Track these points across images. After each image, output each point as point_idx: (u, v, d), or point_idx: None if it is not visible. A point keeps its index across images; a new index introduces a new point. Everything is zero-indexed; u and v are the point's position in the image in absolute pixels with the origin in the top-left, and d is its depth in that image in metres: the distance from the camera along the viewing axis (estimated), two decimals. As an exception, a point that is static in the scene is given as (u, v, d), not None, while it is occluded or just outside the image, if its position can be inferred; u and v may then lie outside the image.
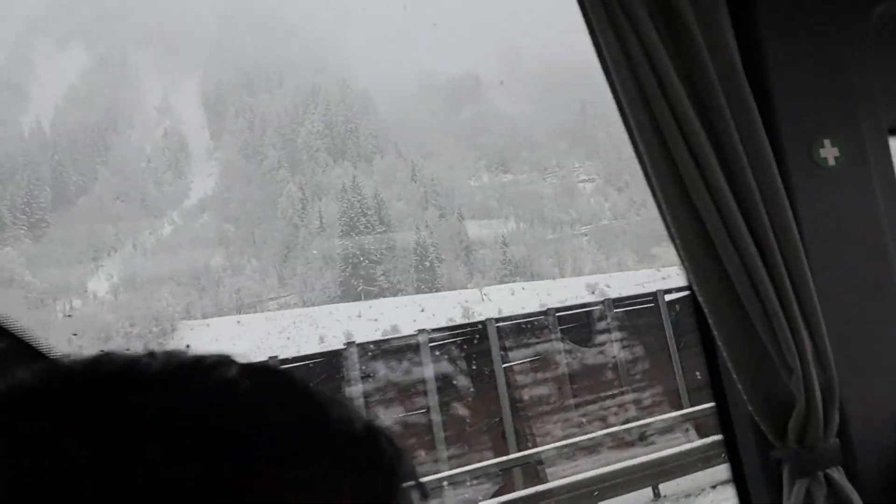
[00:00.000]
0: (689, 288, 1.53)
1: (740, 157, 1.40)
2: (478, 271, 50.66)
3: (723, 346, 1.45)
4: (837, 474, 1.42)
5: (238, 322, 35.84)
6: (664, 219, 1.46)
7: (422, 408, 10.08)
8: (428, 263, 51.20)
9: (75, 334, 33.68)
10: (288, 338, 33.17)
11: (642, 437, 9.84)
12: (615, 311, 11.67)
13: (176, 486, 0.24)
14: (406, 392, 10.11)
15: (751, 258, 1.39)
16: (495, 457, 9.57)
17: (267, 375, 0.30)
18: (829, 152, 1.53)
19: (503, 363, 10.72)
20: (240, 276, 50.72)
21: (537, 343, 11.03)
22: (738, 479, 1.62)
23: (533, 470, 9.31)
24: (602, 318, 11.64)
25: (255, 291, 48.79)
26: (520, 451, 9.75)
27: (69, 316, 36.36)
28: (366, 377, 10.16)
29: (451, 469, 9.27)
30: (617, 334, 11.57)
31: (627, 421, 10.45)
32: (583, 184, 67.92)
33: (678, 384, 11.34)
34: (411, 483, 0.31)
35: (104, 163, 70.39)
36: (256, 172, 67.60)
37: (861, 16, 1.61)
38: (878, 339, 1.54)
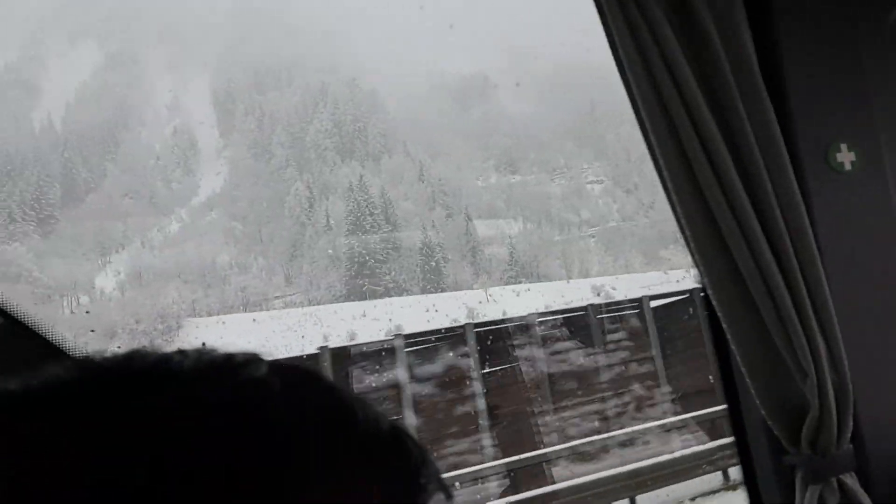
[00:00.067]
0: (702, 290, 1.53)
1: (756, 160, 1.40)
2: (484, 272, 50.62)
3: (736, 348, 1.45)
4: (851, 480, 1.41)
5: (254, 320, 35.93)
6: (678, 220, 1.46)
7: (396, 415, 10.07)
8: (434, 263, 51.22)
9: (93, 330, 33.91)
10: (303, 336, 33.28)
11: (605, 451, 9.54)
12: (599, 316, 11.44)
13: (209, 481, 0.24)
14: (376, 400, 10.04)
15: (766, 261, 1.38)
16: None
17: (296, 374, 0.31)
18: (845, 157, 1.52)
19: (502, 366, 10.61)
20: (246, 275, 50.94)
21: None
22: (750, 484, 1.61)
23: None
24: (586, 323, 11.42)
25: (261, 290, 48.99)
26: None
27: (87, 312, 36.47)
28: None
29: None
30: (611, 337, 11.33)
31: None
32: (591, 185, 67.74)
33: (657, 392, 11.05)
34: (436, 484, 0.31)
35: (114, 160, 70.92)
36: (265, 171, 67.90)
37: (879, 20, 1.60)
38: (892, 345, 1.53)
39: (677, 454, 8.68)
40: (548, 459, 9.15)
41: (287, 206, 59.73)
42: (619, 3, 1.38)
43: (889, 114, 1.60)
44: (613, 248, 55.37)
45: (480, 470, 8.86)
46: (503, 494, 8.53)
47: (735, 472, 8.69)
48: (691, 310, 11.65)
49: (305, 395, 0.30)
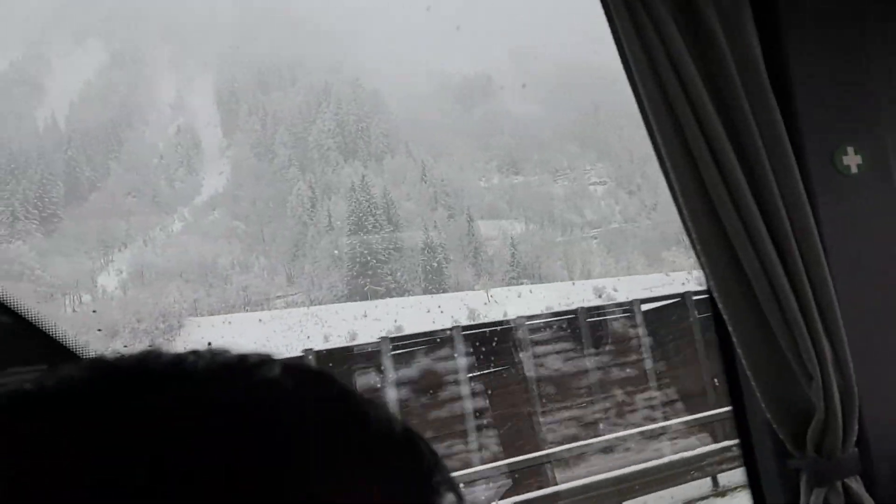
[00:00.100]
0: (707, 291, 1.52)
1: (762, 162, 1.40)
2: (486, 272, 50.57)
3: (741, 350, 1.45)
4: (856, 484, 1.41)
5: (260, 321, 35.92)
6: (684, 221, 1.46)
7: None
8: (435, 264, 51.20)
9: (99, 329, 33.90)
10: (308, 336, 33.25)
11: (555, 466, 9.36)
12: (589, 319, 11.31)
13: (221, 480, 0.25)
14: None
15: (771, 264, 1.38)
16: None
17: (309, 375, 0.31)
18: (851, 160, 1.52)
19: (489, 369, 10.53)
20: (248, 274, 50.97)
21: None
22: (755, 486, 1.61)
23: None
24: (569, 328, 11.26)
25: (263, 289, 49.00)
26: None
27: (94, 312, 36.40)
28: None
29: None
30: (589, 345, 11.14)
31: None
32: (594, 186, 67.66)
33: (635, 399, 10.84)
34: (448, 488, 0.31)
35: (117, 158, 71.06)
36: (267, 170, 67.96)
37: (885, 22, 1.60)
38: None
39: (665, 460, 8.58)
40: (529, 466, 9.08)
41: (289, 205, 59.78)
42: (626, 4, 1.38)
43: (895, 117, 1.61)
44: (615, 249, 55.28)
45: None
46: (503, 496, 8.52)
47: (724, 479, 8.61)
48: (676, 313, 11.57)
49: (318, 397, 0.30)
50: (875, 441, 1.46)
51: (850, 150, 1.52)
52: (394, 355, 10.20)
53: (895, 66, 1.60)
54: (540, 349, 10.99)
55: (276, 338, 33.64)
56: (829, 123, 1.52)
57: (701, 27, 1.41)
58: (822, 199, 1.48)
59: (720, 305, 1.45)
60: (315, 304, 44.26)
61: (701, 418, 9.91)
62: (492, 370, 10.63)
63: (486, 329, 11.16)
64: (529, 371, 10.68)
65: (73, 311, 41.89)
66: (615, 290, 35.44)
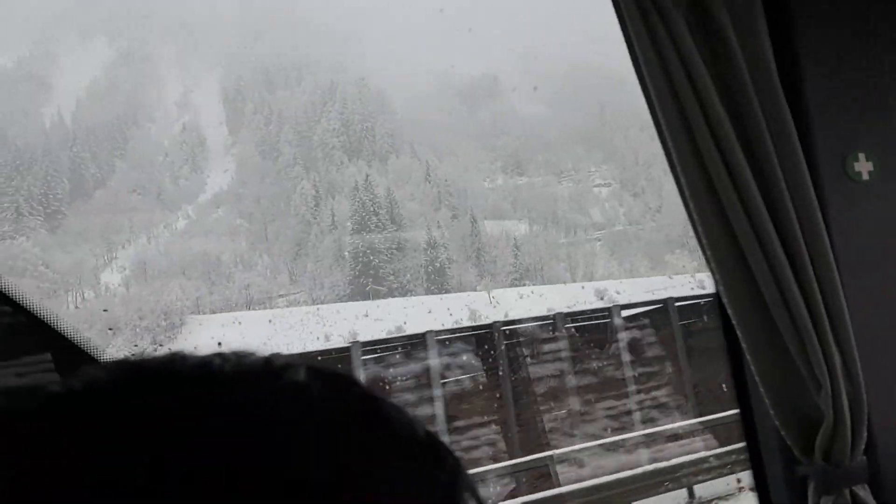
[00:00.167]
0: (716, 295, 1.53)
1: (774, 167, 1.41)
2: (488, 273, 50.54)
3: (750, 356, 1.45)
4: (863, 492, 1.42)
5: (270, 321, 35.91)
6: (693, 224, 1.46)
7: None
8: (438, 264, 51.20)
9: (110, 329, 33.93)
10: (318, 337, 33.24)
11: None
12: (567, 326, 11.22)
13: (253, 484, 0.25)
14: None
15: (781, 269, 1.39)
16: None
17: (334, 379, 0.31)
18: (863, 166, 1.54)
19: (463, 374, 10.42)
20: (250, 272, 51.11)
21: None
22: (762, 492, 1.62)
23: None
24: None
25: (265, 288, 49.12)
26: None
27: (105, 311, 36.35)
28: None
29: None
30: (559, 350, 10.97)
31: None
32: (598, 188, 67.60)
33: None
34: (470, 494, 0.32)
35: (122, 156, 71.40)
36: (272, 169, 68.18)
37: None
38: None
39: (638, 470, 8.33)
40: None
41: (293, 204, 59.94)
42: (639, 6, 1.39)
43: None
44: (619, 251, 55.16)
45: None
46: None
47: (700, 490, 8.46)
48: (658, 319, 11.42)
49: (344, 400, 0.30)
50: (883, 449, 1.47)
51: (861, 156, 1.53)
52: (365, 360, 10.11)
53: None
54: (522, 352, 10.90)
55: (278, 336, 33.67)
56: (841, 129, 1.53)
57: (713, 30, 1.42)
58: (833, 206, 1.49)
59: (729, 310, 1.46)
60: (317, 304, 44.32)
61: (668, 429, 9.67)
62: (466, 375, 10.51)
63: (464, 333, 11.04)
64: (502, 375, 10.57)
65: (76, 307, 42.05)
66: (617, 293, 35.30)
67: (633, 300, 13.70)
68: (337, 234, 54.69)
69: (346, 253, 52.36)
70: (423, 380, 10.26)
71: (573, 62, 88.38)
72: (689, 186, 1.42)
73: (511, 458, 9.50)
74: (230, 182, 69.42)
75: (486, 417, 10.27)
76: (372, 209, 55.31)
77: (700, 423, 9.72)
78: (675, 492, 8.26)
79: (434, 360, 10.37)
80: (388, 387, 10.08)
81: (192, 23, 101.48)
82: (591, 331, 11.42)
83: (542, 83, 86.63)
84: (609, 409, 10.79)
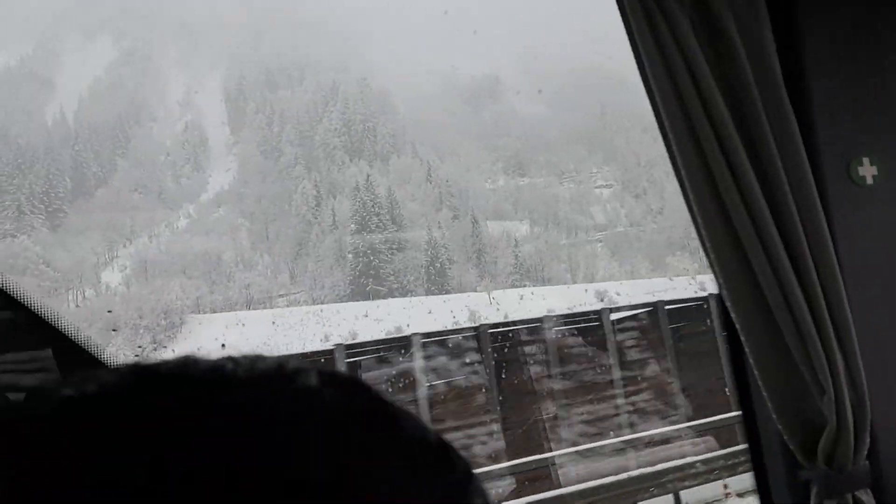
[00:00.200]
0: (719, 298, 1.54)
1: (778, 171, 1.41)
2: (488, 274, 50.53)
3: (752, 359, 1.45)
4: (866, 497, 1.42)
5: (273, 323, 35.88)
6: (697, 227, 1.46)
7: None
8: (438, 265, 51.19)
9: (114, 329, 33.95)
10: (324, 337, 33.19)
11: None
12: (557, 328, 11.09)
13: (253, 484, 0.25)
14: None
15: (784, 272, 1.39)
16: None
17: (346, 383, 0.32)
18: (867, 171, 1.54)
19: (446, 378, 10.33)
20: (251, 272, 51.15)
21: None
22: (764, 497, 1.63)
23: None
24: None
25: (265, 287, 49.13)
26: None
27: (109, 312, 36.26)
28: None
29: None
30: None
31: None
32: (599, 189, 67.58)
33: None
34: (481, 499, 0.32)
35: (124, 154, 71.50)
36: (273, 168, 68.25)
37: None
38: None
39: (622, 476, 8.08)
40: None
41: (294, 204, 59.98)
42: (644, 9, 1.39)
43: None
44: (620, 253, 55.12)
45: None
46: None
47: (687, 496, 8.35)
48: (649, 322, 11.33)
49: (355, 404, 0.31)
50: (886, 454, 1.47)
51: (865, 160, 1.53)
52: (349, 362, 10.01)
53: None
54: (506, 357, 10.80)
55: (277, 336, 33.68)
56: (846, 134, 1.53)
57: (718, 33, 1.42)
58: (837, 210, 1.49)
59: (732, 313, 1.46)
60: (317, 303, 44.35)
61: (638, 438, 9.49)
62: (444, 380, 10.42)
63: (448, 336, 10.93)
64: (483, 381, 10.46)
65: (77, 305, 42.08)
66: (618, 294, 35.30)
67: (634, 302, 13.64)
68: (338, 234, 54.73)
69: (348, 253, 52.39)
70: (407, 381, 10.22)
71: (575, 63, 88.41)
72: (692, 189, 1.42)
73: (494, 462, 9.50)
74: (232, 181, 69.49)
75: (470, 420, 10.23)
76: (373, 209, 55.34)
77: (690, 427, 9.62)
78: (661, 498, 8.09)
79: (418, 363, 10.29)
80: None
81: (194, 22, 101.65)
82: (578, 334, 11.32)
83: (543, 84, 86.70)
84: (589, 413, 10.69)
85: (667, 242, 51.96)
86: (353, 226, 54.80)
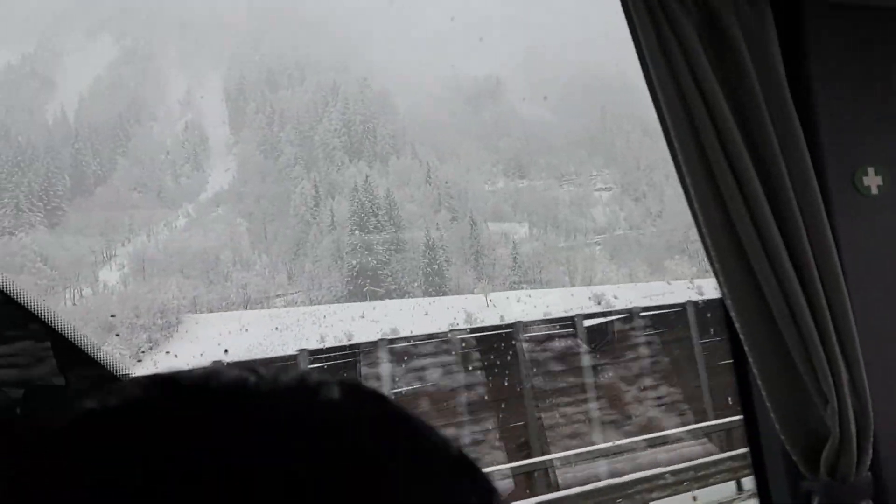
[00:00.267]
0: (722, 306, 1.53)
1: (783, 179, 1.41)
2: (486, 276, 50.47)
3: (756, 369, 1.45)
4: None
5: (276, 328, 35.67)
6: (701, 234, 1.46)
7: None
8: (436, 266, 51.14)
9: (117, 334, 33.71)
10: (321, 337, 33.06)
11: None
12: (528, 335, 10.90)
13: (294, 501, 0.25)
14: None
15: (789, 281, 1.39)
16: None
17: (367, 396, 0.32)
18: (872, 180, 1.54)
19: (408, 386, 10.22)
20: (249, 272, 51.04)
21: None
22: None
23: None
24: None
25: (263, 287, 49.03)
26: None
27: (113, 316, 35.65)
28: None
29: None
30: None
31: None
32: (599, 192, 67.59)
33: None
34: None
35: (124, 153, 71.40)
36: (273, 168, 68.19)
37: None
38: None
39: (587, 487, 7.98)
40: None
41: (293, 204, 59.92)
42: (651, 18, 1.39)
43: None
44: (619, 256, 55.11)
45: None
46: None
47: None
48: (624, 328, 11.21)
49: (379, 419, 0.31)
50: (889, 466, 1.46)
51: (870, 170, 1.53)
52: (311, 368, 9.91)
53: None
54: (475, 363, 10.67)
55: (273, 336, 33.60)
56: (851, 143, 1.53)
57: (724, 42, 1.43)
58: (842, 219, 1.49)
59: (736, 323, 1.45)
60: (314, 304, 44.26)
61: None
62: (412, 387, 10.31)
63: (414, 342, 10.83)
64: (451, 387, 10.35)
65: (74, 304, 41.95)
66: (615, 298, 35.27)
67: (631, 305, 13.57)
68: (336, 235, 54.66)
69: (345, 254, 52.32)
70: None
71: (576, 65, 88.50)
72: (696, 195, 1.42)
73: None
74: (231, 181, 69.42)
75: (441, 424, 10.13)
76: (371, 210, 55.28)
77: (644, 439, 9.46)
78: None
79: (385, 369, 10.17)
80: None
81: (195, 22, 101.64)
82: (552, 339, 11.16)
83: (545, 86, 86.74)
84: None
85: (665, 246, 51.95)
86: (351, 227, 54.74)
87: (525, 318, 12.38)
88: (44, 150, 62.50)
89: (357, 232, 53.79)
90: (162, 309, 36.23)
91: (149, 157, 72.09)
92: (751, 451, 1.63)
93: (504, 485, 8.68)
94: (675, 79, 1.38)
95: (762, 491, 1.60)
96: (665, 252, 51.03)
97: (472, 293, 44.81)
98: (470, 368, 10.63)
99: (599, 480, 8.27)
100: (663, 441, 9.48)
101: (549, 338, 11.10)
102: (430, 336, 11.20)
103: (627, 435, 10.05)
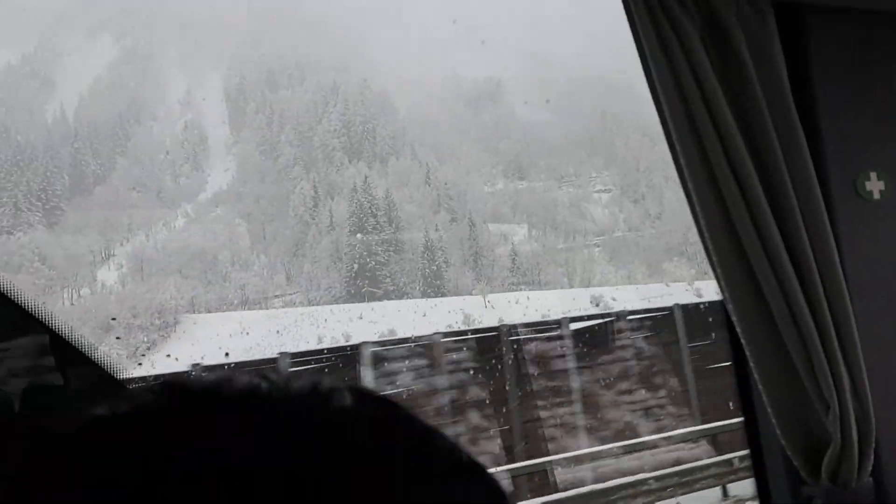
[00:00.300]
0: (724, 311, 1.51)
1: (785, 185, 1.41)
2: (485, 277, 50.45)
3: (757, 374, 1.44)
4: None
5: (278, 333, 35.59)
6: (702, 238, 1.45)
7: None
8: (435, 267, 51.11)
9: (118, 337, 33.58)
10: (319, 338, 33.03)
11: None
12: (511, 338, 10.72)
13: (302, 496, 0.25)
14: None
15: (790, 286, 1.38)
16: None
17: (379, 403, 0.32)
18: (874, 185, 1.54)
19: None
20: (247, 272, 50.98)
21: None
22: None
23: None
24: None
25: (261, 288, 48.97)
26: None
27: (113, 319, 35.44)
28: None
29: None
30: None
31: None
32: (598, 194, 67.61)
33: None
34: None
35: (123, 153, 71.32)
36: (272, 169, 68.14)
37: None
38: None
39: (570, 493, 7.89)
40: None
41: (292, 204, 59.88)
42: (654, 22, 1.39)
43: None
44: (618, 258, 55.12)
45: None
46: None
47: None
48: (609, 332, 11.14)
49: (391, 425, 0.31)
50: (890, 471, 1.46)
51: (873, 175, 1.53)
52: (293, 371, 9.80)
53: None
54: (454, 366, 10.58)
55: (271, 337, 33.55)
56: (853, 148, 1.53)
57: (728, 48, 1.43)
58: (844, 224, 1.49)
59: (738, 327, 1.45)
60: (313, 305, 44.23)
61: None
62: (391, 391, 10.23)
63: (400, 345, 10.77)
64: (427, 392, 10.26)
65: (72, 304, 41.87)
66: (614, 300, 35.30)
67: (629, 307, 13.54)
68: (335, 236, 54.62)
69: (343, 254, 52.28)
70: None
71: (577, 67, 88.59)
72: (698, 199, 1.43)
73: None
74: (230, 181, 69.37)
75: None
76: (370, 211, 55.25)
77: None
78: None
79: (367, 373, 10.08)
80: None
81: (195, 22, 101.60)
82: (534, 343, 11.04)
83: (545, 88, 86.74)
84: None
85: (664, 248, 51.97)
86: (349, 227, 54.70)
87: (511, 322, 12.29)
88: (43, 150, 62.42)
89: (356, 232, 53.77)
90: (160, 309, 36.18)
91: (148, 156, 72.01)
92: (751, 455, 1.62)
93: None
94: (677, 82, 1.38)
95: (763, 495, 1.60)
96: (664, 254, 51.05)
97: (471, 294, 44.81)
98: (451, 372, 10.53)
99: (583, 486, 8.16)
100: (640, 447, 9.35)
101: (533, 341, 11.01)
102: (404, 340, 11.14)
103: (604, 441, 9.93)
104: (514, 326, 11.27)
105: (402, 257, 52.37)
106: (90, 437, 0.26)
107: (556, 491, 8.17)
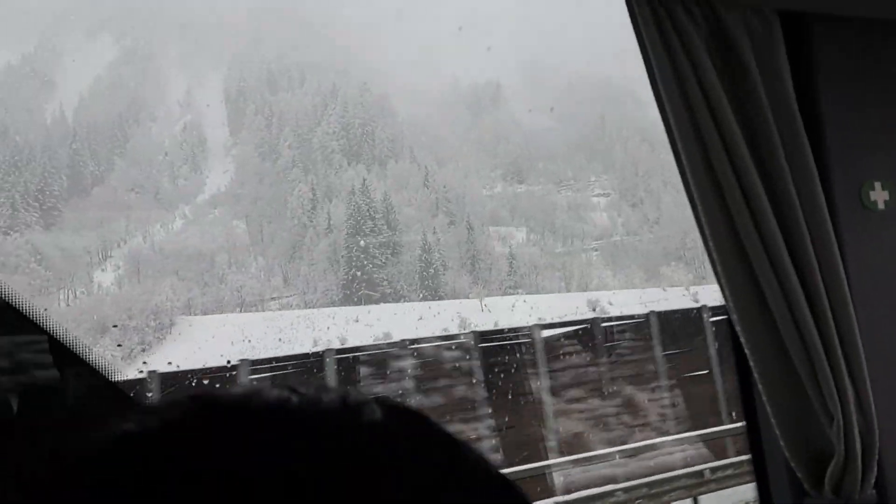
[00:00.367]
0: (728, 319, 1.50)
1: (790, 194, 1.41)
2: (482, 281, 50.44)
3: (761, 384, 1.42)
4: None
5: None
6: (707, 246, 1.44)
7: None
8: (432, 271, 51.08)
9: (119, 345, 33.20)
10: (315, 341, 32.93)
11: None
12: (482, 345, 10.53)
13: None
14: None
15: (795, 297, 1.37)
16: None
17: (408, 416, 0.32)
18: (879, 195, 1.53)
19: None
20: (244, 274, 50.89)
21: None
22: None
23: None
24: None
25: (258, 290, 48.86)
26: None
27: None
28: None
29: None
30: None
31: None
32: (597, 198, 67.72)
33: None
34: None
35: (122, 154, 71.23)
36: (271, 171, 68.09)
37: None
38: None
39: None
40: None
41: (290, 206, 59.81)
42: (659, 29, 1.39)
43: None
44: (615, 262, 55.18)
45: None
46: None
47: None
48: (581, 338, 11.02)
49: (421, 438, 0.31)
50: (894, 484, 1.44)
51: (877, 185, 1.53)
52: (253, 378, 9.40)
53: None
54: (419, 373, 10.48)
55: (267, 339, 33.46)
56: (858, 158, 1.52)
57: (733, 56, 1.43)
58: (848, 234, 1.48)
59: (741, 337, 1.44)
60: (309, 307, 44.14)
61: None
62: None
63: (365, 353, 10.61)
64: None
65: (67, 305, 41.72)
66: (610, 304, 35.32)
67: (626, 312, 13.45)
68: (332, 238, 54.57)
69: (341, 257, 52.23)
70: None
71: (577, 72, 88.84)
72: (703, 207, 1.42)
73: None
74: (229, 183, 69.29)
75: None
76: (368, 213, 55.23)
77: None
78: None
79: (329, 380, 9.93)
80: None
81: (195, 22, 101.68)
82: (505, 351, 10.92)
83: (545, 92, 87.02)
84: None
85: (662, 253, 52.04)
86: (347, 230, 54.66)
87: (482, 328, 12.15)
88: (41, 150, 62.30)
89: (354, 235, 53.73)
90: (155, 310, 36.05)
91: (147, 157, 71.92)
92: (753, 465, 1.61)
93: None
94: (682, 89, 1.37)
95: (763, 499, 1.59)
96: (662, 258, 51.12)
97: (468, 298, 44.79)
98: (421, 378, 10.42)
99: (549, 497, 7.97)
100: (588, 460, 9.10)
101: (503, 349, 10.85)
102: (385, 345, 11.03)
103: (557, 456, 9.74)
104: (486, 333, 11.13)
105: (400, 260, 52.34)
106: (123, 454, 0.26)
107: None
